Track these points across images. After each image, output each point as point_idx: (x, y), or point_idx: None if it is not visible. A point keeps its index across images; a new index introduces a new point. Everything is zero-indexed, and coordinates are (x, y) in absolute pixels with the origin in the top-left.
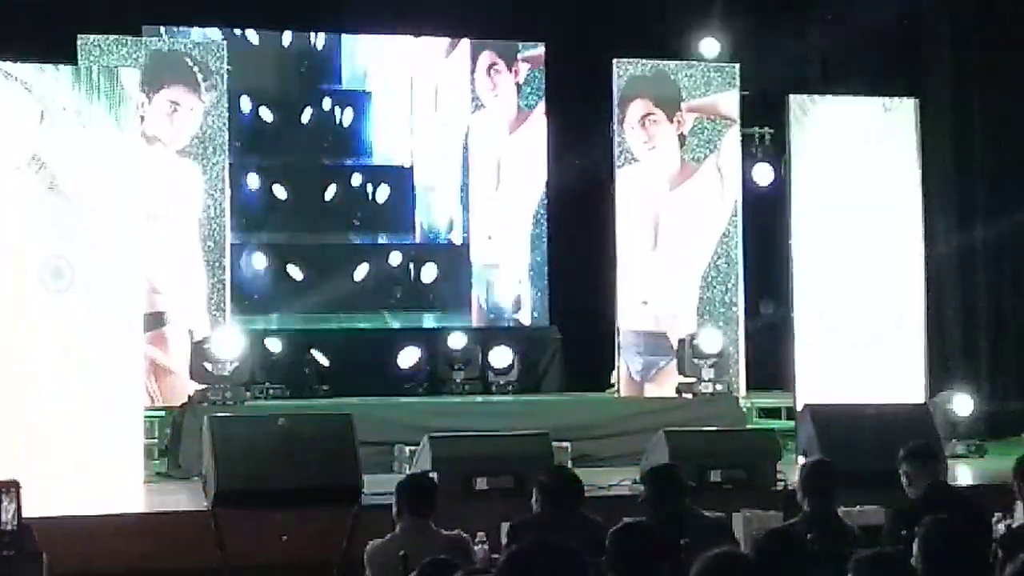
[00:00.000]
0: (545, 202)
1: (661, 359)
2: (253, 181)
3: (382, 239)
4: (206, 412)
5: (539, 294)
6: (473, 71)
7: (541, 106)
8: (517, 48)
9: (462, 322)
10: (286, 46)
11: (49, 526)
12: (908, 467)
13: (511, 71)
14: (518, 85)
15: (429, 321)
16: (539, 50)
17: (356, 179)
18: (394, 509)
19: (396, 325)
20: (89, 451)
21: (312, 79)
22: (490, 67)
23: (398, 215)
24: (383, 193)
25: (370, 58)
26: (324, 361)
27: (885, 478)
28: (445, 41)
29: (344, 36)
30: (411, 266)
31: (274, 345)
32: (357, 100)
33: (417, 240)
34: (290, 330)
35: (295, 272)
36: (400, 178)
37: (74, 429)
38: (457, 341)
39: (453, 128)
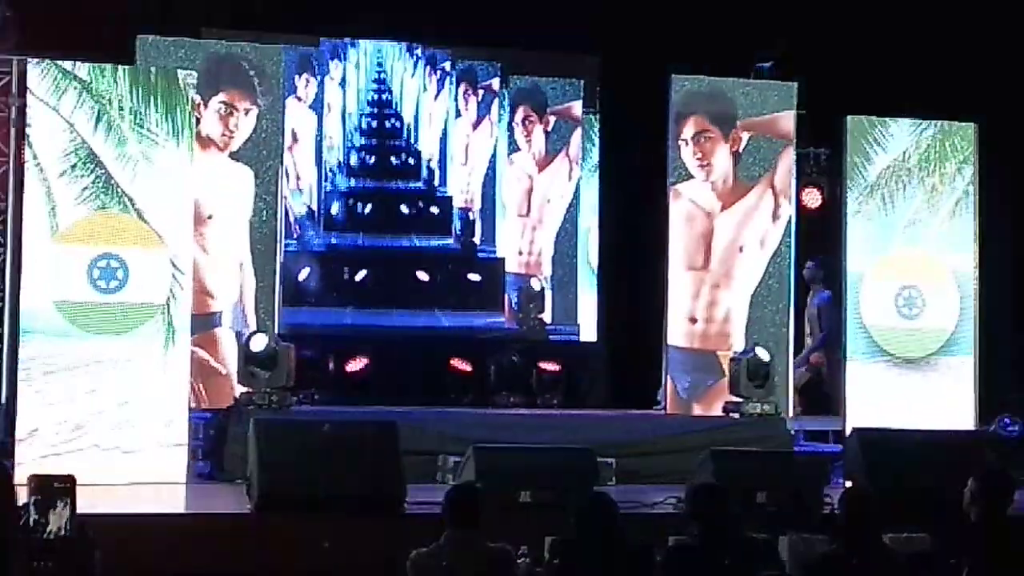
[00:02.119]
0: (567, 226)
1: (709, 378)
2: (346, 199)
3: (434, 248)
4: (251, 415)
5: (561, 302)
6: (511, 120)
7: (564, 150)
8: (547, 103)
9: (498, 324)
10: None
11: (93, 522)
12: (977, 487)
13: (541, 122)
14: (547, 133)
15: (474, 320)
16: (566, 105)
17: (420, 203)
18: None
19: (447, 323)
20: (134, 450)
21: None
22: (525, 118)
23: (446, 232)
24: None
25: (423, 97)
26: (369, 367)
27: (933, 504)
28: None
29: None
30: (458, 273)
31: (323, 350)
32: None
33: (461, 251)
34: (341, 335)
35: (356, 275)
36: (446, 203)
37: (120, 428)
38: (504, 354)
39: (486, 161)
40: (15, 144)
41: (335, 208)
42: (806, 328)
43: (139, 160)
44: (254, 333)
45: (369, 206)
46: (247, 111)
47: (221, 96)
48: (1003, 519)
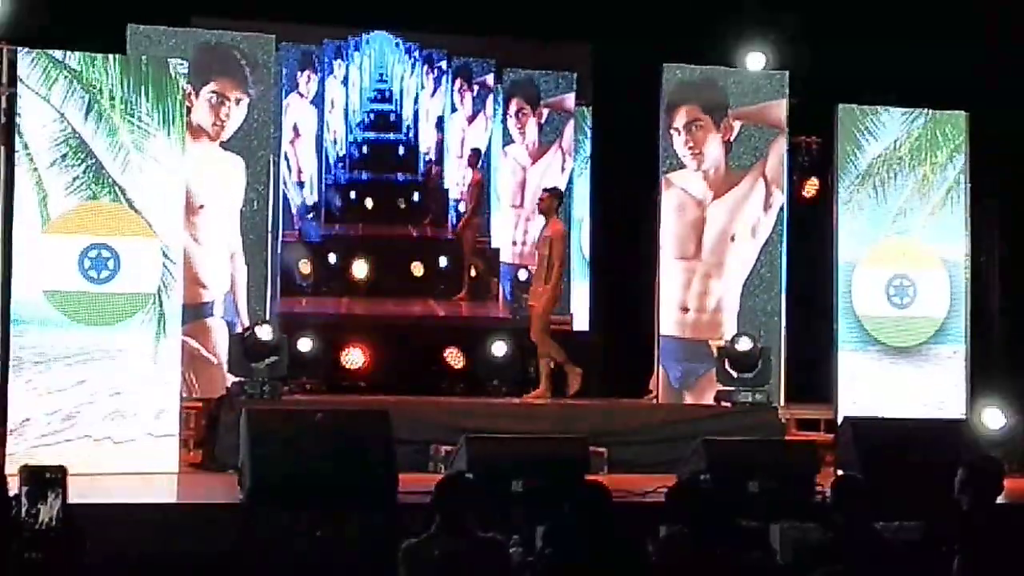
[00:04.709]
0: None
1: (700, 367)
2: (347, 190)
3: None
4: (243, 405)
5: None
6: (506, 112)
7: (558, 142)
8: (540, 95)
9: (490, 312)
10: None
11: (84, 512)
12: (967, 476)
13: (535, 114)
14: (540, 125)
15: (465, 310)
16: (559, 97)
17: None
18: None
19: (441, 313)
20: (125, 440)
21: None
22: (519, 111)
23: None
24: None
25: (421, 94)
26: (362, 357)
27: (924, 492)
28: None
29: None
30: (452, 263)
31: (314, 340)
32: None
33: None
34: (331, 325)
35: (355, 266)
36: (443, 196)
37: (111, 418)
38: (497, 345)
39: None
40: (5, 134)
41: (336, 200)
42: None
43: (130, 149)
44: (258, 323)
45: (368, 199)
46: (238, 101)
47: (212, 85)
48: (993, 507)
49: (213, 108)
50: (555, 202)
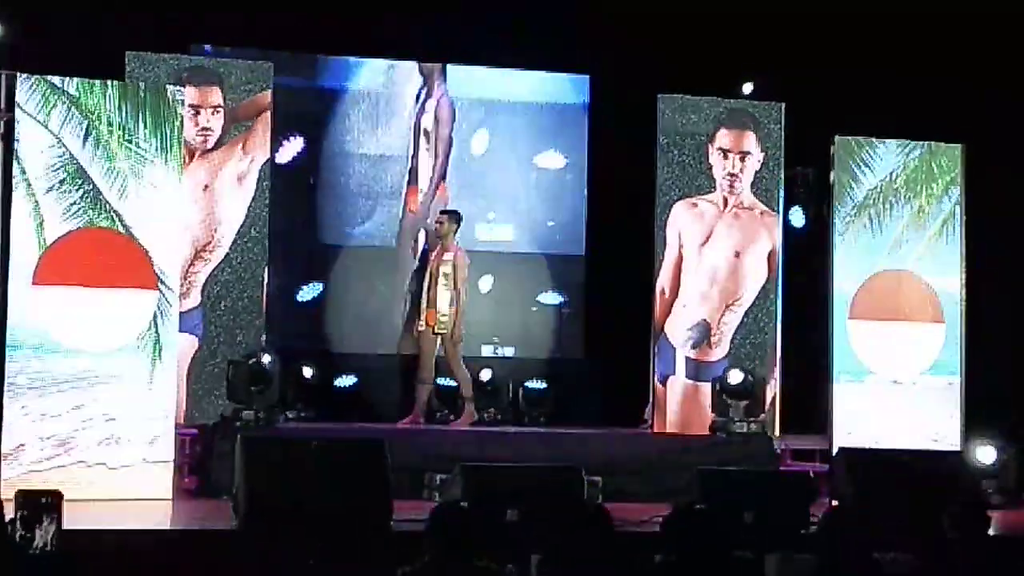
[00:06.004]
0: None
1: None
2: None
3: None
4: (238, 432)
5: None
6: None
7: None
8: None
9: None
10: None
11: (78, 538)
12: (954, 519)
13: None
14: None
15: None
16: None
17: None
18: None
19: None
20: (120, 466)
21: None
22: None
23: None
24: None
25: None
26: (354, 385)
27: (919, 524)
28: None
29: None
30: None
31: (309, 368)
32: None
33: None
34: (326, 353)
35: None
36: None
37: (106, 444)
38: (488, 373)
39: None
40: (2, 159)
41: None
42: (440, 282)
43: (127, 176)
44: (260, 350)
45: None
46: (214, 110)
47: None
48: (984, 540)
49: (191, 120)
50: (454, 226)
